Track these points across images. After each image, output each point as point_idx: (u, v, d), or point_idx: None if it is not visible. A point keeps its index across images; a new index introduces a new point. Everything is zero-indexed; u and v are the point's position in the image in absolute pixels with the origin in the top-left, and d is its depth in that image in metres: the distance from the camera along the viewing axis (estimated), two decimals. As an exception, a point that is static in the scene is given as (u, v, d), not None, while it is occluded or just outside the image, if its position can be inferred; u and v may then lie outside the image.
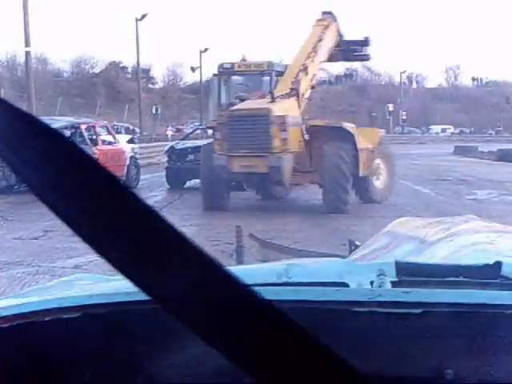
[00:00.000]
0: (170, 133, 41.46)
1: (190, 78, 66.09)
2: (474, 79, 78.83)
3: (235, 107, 12.08)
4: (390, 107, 56.00)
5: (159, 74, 72.42)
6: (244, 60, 13.95)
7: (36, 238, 9.31)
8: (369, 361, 1.05)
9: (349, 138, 12.22)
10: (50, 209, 0.46)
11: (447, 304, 1.04)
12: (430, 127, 65.48)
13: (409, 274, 1.31)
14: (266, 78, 13.05)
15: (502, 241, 1.98)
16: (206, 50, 49.55)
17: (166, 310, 0.45)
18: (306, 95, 12.88)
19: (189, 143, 17.97)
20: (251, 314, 0.45)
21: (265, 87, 12.66)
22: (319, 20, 13.69)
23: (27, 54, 24.79)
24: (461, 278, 1.27)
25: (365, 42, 14.57)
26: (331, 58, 14.24)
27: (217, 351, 0.45)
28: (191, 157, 16.85)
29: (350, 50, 14.40)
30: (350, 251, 2.75)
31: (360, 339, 1.05)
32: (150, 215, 0.46)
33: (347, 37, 14.32)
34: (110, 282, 1.32)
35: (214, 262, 0.46)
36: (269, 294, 1.05)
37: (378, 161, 13.29)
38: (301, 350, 0.44)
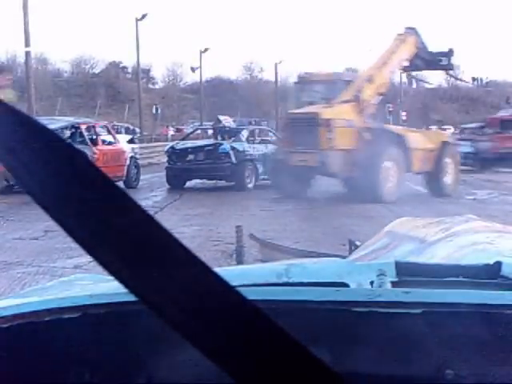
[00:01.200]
0: (170, 133, 41.45)
1: (190, 78, 66.12)
2: (474, 79, 78.70)
3: (292, 111, 14.73)
4: (390, 107, 55.91)
5: (159, 74, 72.53)
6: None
7: (36, 238, 9.30)
8: (369, 361, 1.05)
9: (394, 138, 14.08)
10: (46, 211, 0.46)
11: (447, 304, 1.04)
12: (430, 127, 65.30)
13: (409, 274, 1.31)
14: (336, 86, 14.90)
15: (502, 241, 1.98)
16: (206, 50, 49.55)
17: (155, 313, 0.45)
18: (373, 101, 14.72)
19: (189, 143, 17.97)
20: (239, 317, 0.45)
21: (335, 94, 14.60)
22: (399, 34, 15.70)
23: (27, 53, 24.77)
24: (461, 278, 1.27)
25: (449, 53, 16.35)
26: (414, 68, 16.21)
27: (204, 355, 0.45)
28: (191, 157, 16.86)
29: (434, 60, 16.21)
30: (350, 251, 2.74)
31: (360, 339, 1.05)
32: (144, 218, 0.46)
33: (432, 48, 16.20)
34: (110, 282, 1.32)
35: (203, 264, 0.46)
36: (269, 294, 1.05)
37: (446, 159, 15.32)
38: (283, 352, 0.45)
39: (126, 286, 0.45)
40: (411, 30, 15.82)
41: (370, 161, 13.33)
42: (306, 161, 13.71)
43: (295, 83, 16.86)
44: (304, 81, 16.01)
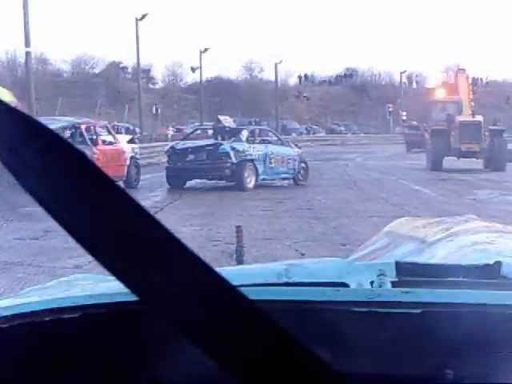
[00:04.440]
0: (170, 133, 41.43)
1: (190, 78, 66.10)
2: (474, 79, 78.60)
3: (461, 119, 23.92)
4: (390, 107, 56.12)
5: (159, 74, 72.40)
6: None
7: (36, 238, 9.29)
8: (369, 361, 1.05)
9: (502, 132, 24.59)
10: (46, 210, 0.46)
11: (447, 304, 1.04)
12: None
13: (409, 274, 1.31)
14: (456, 105, 25.04)
15: (502, 241, 1.98)
16: (206, 50, 49.54)
17: (156, 313, 0.45)
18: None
19: (189, 143, 17.96)
20: (240, 317, 0.45)
21: (456, 110, 24.77)
22: (461, 74, 26.33)
23: (27, 54, 24.78)
24: (461, 278, 1.27)
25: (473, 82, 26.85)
26: None
27: (207, 356, 0.45)
28: (191, 157, 16.85)
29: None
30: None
31: (360, 339, 1.05)
32: (146, 219, 0.46)
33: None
34: (110, 282, 1.32)
35: (204, 264, 0.46)
36: (269, 294, 1.05)
37: None
38: (284, 352, 0.45)
39: (127, 285, 0.45)
40: (464, 71, 26.51)
41: (501, 147, 23.13)
42: (473, 147, 23.41)
43: (429, 101, 26.99)
44: (436, 101, 25.75)
